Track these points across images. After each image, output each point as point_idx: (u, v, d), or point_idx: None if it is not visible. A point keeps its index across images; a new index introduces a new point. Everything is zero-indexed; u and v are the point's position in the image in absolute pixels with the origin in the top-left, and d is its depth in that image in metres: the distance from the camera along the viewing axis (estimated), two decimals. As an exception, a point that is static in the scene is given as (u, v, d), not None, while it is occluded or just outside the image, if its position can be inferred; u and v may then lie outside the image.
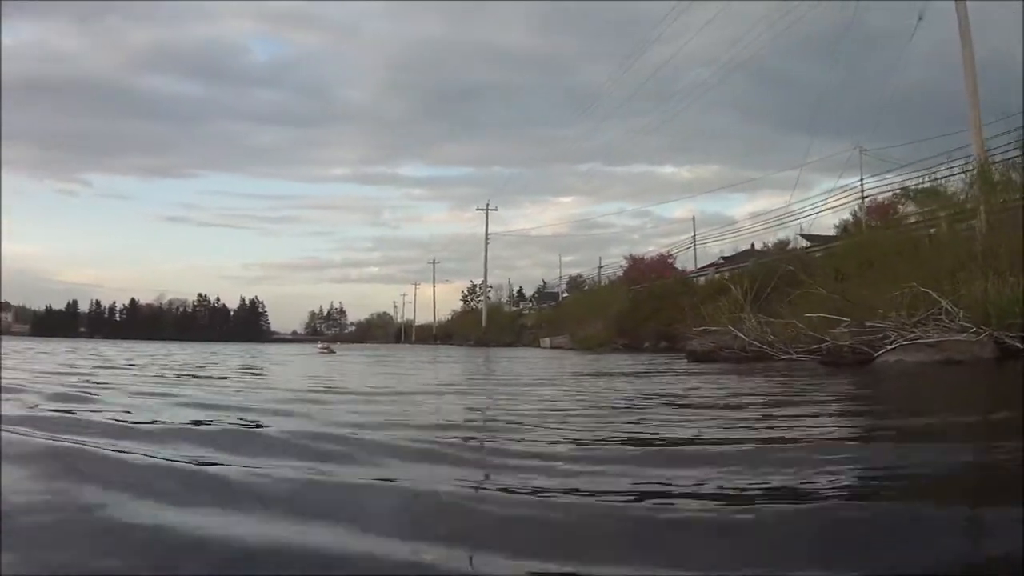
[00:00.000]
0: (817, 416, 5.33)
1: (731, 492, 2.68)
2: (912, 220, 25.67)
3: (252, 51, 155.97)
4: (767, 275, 16.13)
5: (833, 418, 5.47)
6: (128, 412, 5.35)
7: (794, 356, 12.26)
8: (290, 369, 15.57)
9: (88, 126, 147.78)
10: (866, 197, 39.60)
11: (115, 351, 27.30)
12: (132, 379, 10.18)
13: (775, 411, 5.65)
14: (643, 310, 37.26)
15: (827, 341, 11.17)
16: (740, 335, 13.65)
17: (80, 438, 3.78)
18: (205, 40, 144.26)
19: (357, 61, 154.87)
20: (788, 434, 4.30)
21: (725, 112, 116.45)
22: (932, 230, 17.04)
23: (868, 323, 11.09)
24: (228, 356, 23.56)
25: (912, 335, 10.65)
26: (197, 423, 4.76)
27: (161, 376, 11.07)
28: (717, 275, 37.83)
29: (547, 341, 45.88)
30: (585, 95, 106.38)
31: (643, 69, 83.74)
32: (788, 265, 17.24)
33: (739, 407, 6.05)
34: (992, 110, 19.12)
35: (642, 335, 35.98)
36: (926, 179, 29.00)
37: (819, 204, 38.84)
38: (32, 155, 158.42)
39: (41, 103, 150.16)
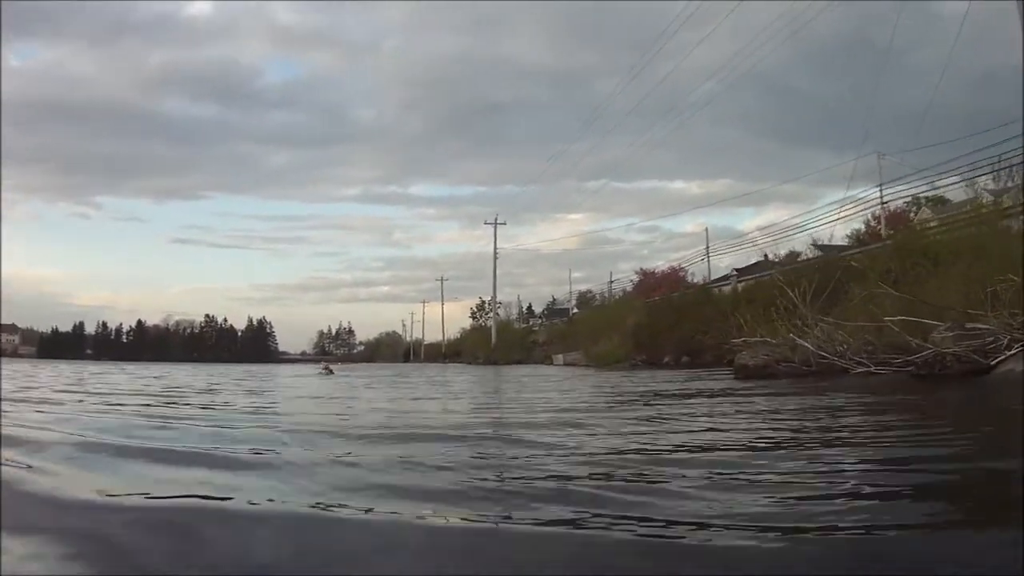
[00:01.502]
0: None
1: None
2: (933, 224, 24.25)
3: (266, 72, 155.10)
4: (824, 276, 13.99)
5: None
6: None
7: (872, 368, 10.22)
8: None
9: (101, 149, 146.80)
10: (886, 203, 38.05)
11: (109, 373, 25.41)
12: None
13: None
14: (661, 323, 35.18)
15: (928, 349, 9.05)
16: (805, 344, 11.58)
17: None
18: (219, 62, 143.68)
19: (372, 80, 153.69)
20: None
21: (734, 126, 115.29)
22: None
23: (970, 326, 9.04)
24: (208, 378, 21.67)
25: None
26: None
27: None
28: (741, 283, 35.74)
29: (560, 358, 43.79)
30: (599, 110, 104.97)
31: (652, 84, 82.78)
32: (852, 262, 15.19)
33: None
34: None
35: (662, 350, 33.95)
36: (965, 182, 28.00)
37: (827, 214, 37.70)
38: (46, 179, 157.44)
39: (54, 126, 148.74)
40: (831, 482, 3.34)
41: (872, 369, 10.17)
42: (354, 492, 3.19)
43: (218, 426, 6.37)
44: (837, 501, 2.89)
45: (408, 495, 3.15)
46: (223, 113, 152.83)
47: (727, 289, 37.38)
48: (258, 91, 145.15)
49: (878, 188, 36.81)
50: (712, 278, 47.19)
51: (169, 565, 2.18)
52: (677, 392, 10.71)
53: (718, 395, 9.65)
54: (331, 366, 32.72)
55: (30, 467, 3.74)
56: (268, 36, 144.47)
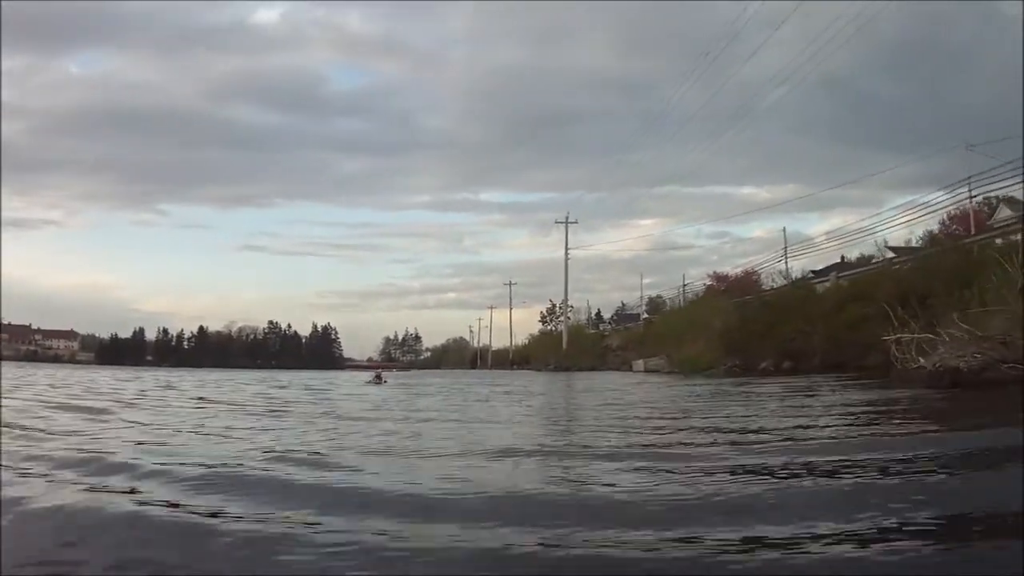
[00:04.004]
0: None
1: None
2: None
3: (334, 80, 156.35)
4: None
5: None
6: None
7: None
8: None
9: (168, 156, 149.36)
10: (960, 203, 34.45)
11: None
12: None
13: None
14: (755, 324, 31.64)
15: None
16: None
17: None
18: (287, 70, 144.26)
19: (440, 88, 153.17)
20: None
21: (802, 132, 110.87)
22: None
23: None
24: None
25: None
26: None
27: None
28: (843, 278, 31.92)
29: (640, 363, 40.45)
30: (666, 118, 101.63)
31: (719, 88, 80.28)
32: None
33: None
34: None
35: (758, 354, 30.45)
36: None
37: (900, 216, 35.81)
38: (109, 187, 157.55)
39: (117, 134, 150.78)
40: None
41: None
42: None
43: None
44: None
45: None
46: (290, 121, 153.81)
47: (826, 286, 33.73)
48: (326, 99, 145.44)
49: (966, 183, 32.67)
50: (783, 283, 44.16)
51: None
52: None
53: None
54: (384, 374, 30.25)
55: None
56: (334, 44, 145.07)
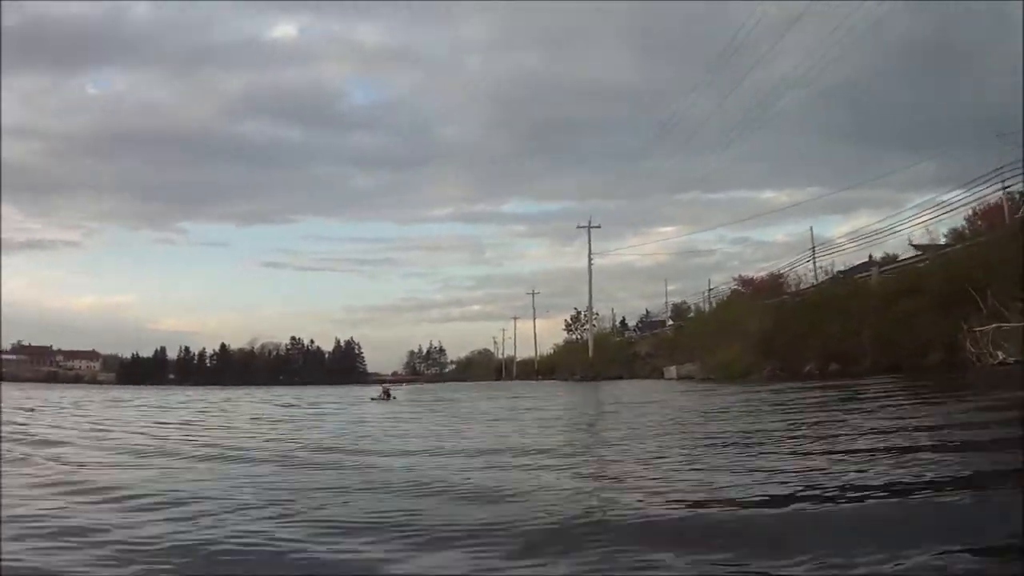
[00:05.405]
0: None
1: None
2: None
3: (350, 94, 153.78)
4: None
5: None
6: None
7: None
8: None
9: (185, 175, 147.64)
10: (1007, 188, 31.94)
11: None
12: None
13: None
14: (797, 326, 29.42)
15: None
16: None
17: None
18: (301, 85, 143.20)
19: (456, 98, 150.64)
20: None
21: (821, 134, 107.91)
22: None
23: None
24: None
25: None
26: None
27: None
28: (885, 272, 29.63)
29: (672, 371, 38.41)
30: (683, 124, 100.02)
31: (735, 93, 78.85)
32: None
33: None
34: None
35: (801, 357, 28.38)
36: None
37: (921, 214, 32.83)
38: (129, 207, 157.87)
39: (136, 155, 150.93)
40: None
41: None
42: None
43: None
44: None
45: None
46: (307, 136, 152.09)
47: (868, 281, 31.50)
48: (342, 113, 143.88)
49: (995, 176, 30.05)
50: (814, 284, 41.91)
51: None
52: None
53: None
54: (392, 388, 27.61)
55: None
56: (351, 57, 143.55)
